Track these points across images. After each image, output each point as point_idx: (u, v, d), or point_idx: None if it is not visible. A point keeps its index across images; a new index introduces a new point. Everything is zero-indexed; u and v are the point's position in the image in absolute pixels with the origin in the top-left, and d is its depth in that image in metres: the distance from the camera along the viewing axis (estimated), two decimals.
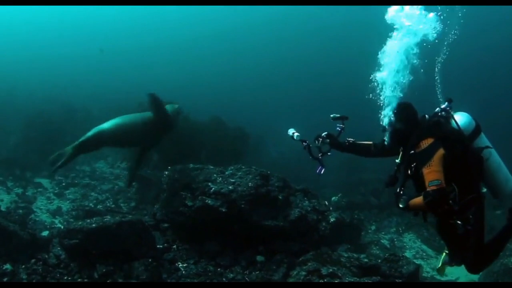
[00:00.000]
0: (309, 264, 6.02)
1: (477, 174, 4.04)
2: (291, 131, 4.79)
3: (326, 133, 4.69)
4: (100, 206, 10.28)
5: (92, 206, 10.27)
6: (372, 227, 13.33)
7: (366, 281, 5.76)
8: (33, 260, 6.60)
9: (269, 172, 7.74)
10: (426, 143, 3.95)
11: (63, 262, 6.63)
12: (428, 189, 3.76)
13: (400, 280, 6.39)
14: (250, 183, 7.14)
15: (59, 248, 6.81)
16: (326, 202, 8.60)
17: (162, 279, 6.45)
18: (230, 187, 7.07)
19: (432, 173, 3.81)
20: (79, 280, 6.31)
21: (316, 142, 4.69)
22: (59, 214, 10.00)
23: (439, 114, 4.20)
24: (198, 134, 11.15)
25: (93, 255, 6.56)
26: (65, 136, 14.84)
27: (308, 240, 7.55)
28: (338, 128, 4.75)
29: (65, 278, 6.35)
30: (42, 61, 34.70)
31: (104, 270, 6.41)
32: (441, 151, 3.86)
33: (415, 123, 4.23)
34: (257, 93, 33.48)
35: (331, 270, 5.78)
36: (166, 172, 8.20)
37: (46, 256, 6.75)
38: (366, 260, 6.55)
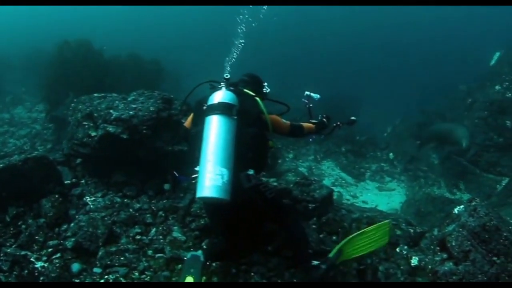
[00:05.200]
0: None
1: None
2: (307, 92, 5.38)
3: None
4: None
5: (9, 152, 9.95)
6: (290, 155, 13.40)
7: None
8: None
9: (172, 96, 7.49)
10: None
11: None
12: None
13: (313, 205, 6.23)
14: (151, 107, 6.91)
15: None
16: None
17: (69, 215, 6.33)
18: (131, 112, 6.79)
19: None
20: None
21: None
22: None
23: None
24: (114, 70, 10.92)
25: (4, 197, 6.43)
26: None
27: None
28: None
29: None
30: None
31: (15, 212, 6.27)
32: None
33: None
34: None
35: None
36: (72, 105, 7.84)
37: None
38: (275, 184, 6.51)
